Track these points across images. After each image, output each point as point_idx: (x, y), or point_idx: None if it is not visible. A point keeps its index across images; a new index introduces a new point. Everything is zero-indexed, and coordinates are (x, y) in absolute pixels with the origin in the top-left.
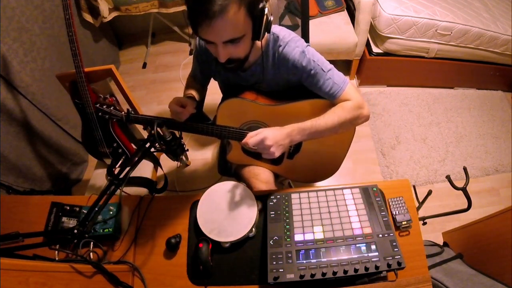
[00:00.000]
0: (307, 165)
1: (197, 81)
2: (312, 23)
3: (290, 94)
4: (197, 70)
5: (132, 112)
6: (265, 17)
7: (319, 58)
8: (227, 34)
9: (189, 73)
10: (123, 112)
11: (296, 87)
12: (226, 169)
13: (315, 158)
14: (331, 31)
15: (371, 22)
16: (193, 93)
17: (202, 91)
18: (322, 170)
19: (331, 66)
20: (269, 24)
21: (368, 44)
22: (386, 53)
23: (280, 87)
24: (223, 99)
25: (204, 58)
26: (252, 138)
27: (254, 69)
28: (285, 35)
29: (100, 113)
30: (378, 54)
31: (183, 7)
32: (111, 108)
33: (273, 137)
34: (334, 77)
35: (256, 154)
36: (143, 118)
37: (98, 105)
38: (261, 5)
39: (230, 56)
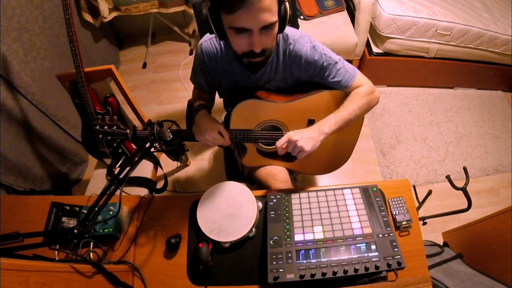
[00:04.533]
0: (321, 156)
1: (205, 92)
2: (312, 23)
3: (297, 89)
4: (202, 81)
5: (138, 129)
6: (288, 5)
7: (328, 50)
8: (266, 16)
9: (193, 87)
10: (128, 131)
11: (303, 82)
12: (236, 174)
13: (329, 148)
14: (331, 31)
15: (371, 22)
16: (205, 104)
17: (211, 102)
18: (336, 159)
19: (339, 56)
20: (291, 15)
21: (368, 44)
22: (386, 53)
23: (288, 85)
24: (235, 102)
25: (209, 66)
26: (278, 141)
27: (264, 69)
28: (293, 33)
29: (101, 135)
30: (378, 54)
31: (183, 7)
32: (114, 128)
33: (298, 132)
34: (345, 66)
35: (272, 154)
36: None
37: (98, 127)
38: None
39: (263, 46)
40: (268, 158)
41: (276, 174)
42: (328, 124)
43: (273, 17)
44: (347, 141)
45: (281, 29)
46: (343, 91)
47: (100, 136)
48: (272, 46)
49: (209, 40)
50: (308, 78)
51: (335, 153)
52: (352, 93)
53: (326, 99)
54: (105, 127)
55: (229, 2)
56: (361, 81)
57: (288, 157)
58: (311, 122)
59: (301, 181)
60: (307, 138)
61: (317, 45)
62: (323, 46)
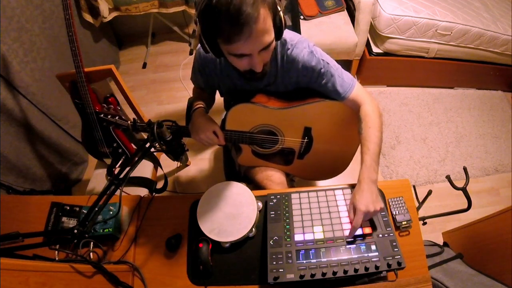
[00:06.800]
0: (317, 164)
1: (205, 91)
2: (312, 23)
3: (299, 95)
4: (200, 82)
5: (138, 121)
6: (282, 14)
7: (327, 57)
8: (265, 39)
9: (194, 85)
10: (129, 122)
11: (304, 88)
12: (234, 173)
13: (326, 157)
14: (331, 31)
15: (371, 22)
16: (203, 104)
17: (210, 100)
18: (332, 168)
19: (339, 65)
20: (285, 22)
21: (368, 44)
22: (386, 53)
23: (289, 89)
24: (232, 104)
25: (207, 70)
26: (355, 222)
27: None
28: (291, 38)
29: (104, 123)
30: (378, 54)
31: (183, 7)
32: (116, 118)
33: (362, 201)
34: (343, 76)
35: (267, 156)
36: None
37: (102, 115)
38: (277, 2)
39: (263, 62)
40: (262, 160)
41: (272, 175)
42: (372, 169)
43: (271, 36)
44: (348, 151)
45: (278, 38)
46: (340, 101)
47: (104, 124)
48: (269, 59)
49: None
50: (307, 84)
51: (334, 161)
52: (364, 118)
53: (326, 109)
54: (109, 116)
55: (226, 34)
56: (359, 93)
57: (283, 160)
58: (307, 130)
59: (300, 181)
60: (372, 199)
61: (315, 51)
62: (322, 52)
